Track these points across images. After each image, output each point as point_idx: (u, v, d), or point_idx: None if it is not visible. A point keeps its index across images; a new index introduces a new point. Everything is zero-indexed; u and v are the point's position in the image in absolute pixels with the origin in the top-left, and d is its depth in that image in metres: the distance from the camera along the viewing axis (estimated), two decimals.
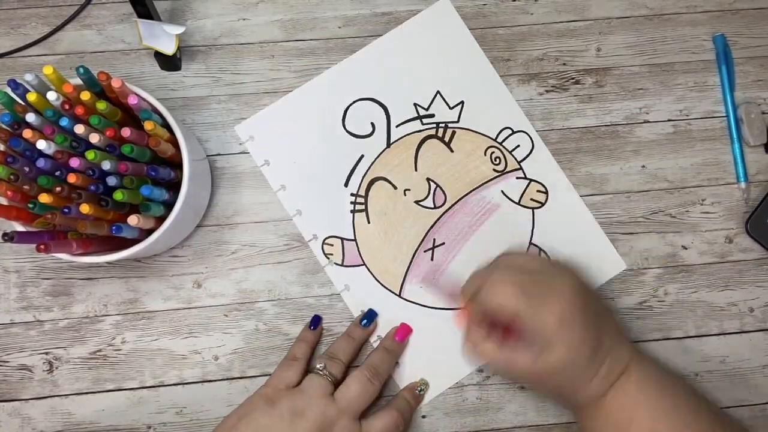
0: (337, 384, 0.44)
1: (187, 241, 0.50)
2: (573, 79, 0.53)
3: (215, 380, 0.48)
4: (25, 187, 0.39)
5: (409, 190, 0.51)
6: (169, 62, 0.51)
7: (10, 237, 0.38)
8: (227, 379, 0.49)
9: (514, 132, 0.52)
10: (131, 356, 0.49)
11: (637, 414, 0.41)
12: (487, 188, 0.51)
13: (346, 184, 0.51)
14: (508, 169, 0.51)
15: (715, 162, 0.52)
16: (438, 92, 0.52)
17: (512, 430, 0.49)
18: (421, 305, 0.49)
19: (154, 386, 0.48)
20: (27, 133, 0.39)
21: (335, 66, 0.52)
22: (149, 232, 0.42)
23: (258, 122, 0.52)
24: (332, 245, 0.50)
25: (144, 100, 0.43)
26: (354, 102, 0.52)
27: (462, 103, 0.52)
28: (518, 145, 0.52)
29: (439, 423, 0.48)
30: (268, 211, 0.51)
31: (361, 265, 0.50)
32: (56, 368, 0.48)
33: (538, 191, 0.51)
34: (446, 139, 0.52)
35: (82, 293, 0.49)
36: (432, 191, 0.51)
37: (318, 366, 0.44)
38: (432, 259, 0.50)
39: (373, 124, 0.52)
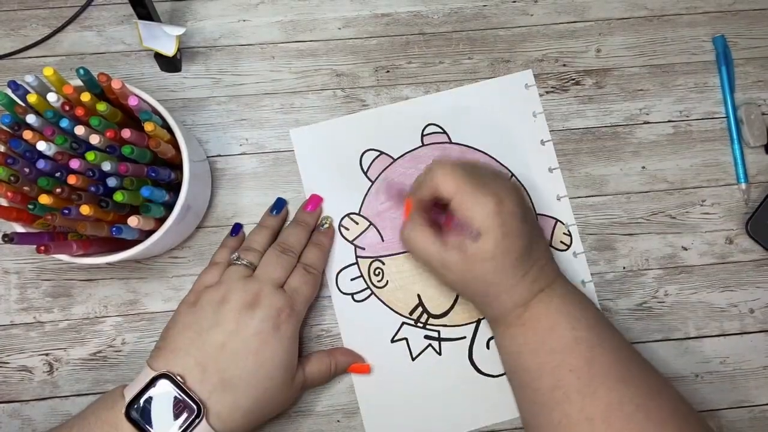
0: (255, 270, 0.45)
1: (187, 242, 0.50)
2: (573, 80, 0.53)
3: None
4: (26, 188, 0.39)
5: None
6: (169, 63, 0.51)
7: (11, 238, 0.38)
8: None
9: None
10: (131, 357, 0.49)
11: (559, 323, 0.42)
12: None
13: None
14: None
15: (715, 163, 0.52)
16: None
17: (512, 431, 0.49)
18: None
19: None
20: (27, 135, 0.39)
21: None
22: (149, 233, 0.42)
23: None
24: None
25: (144, 101, 0.43)
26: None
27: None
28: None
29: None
30: None
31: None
32: (56, 369, 0.48)
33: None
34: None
35: (82, 294, 0.49)
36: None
37: (233, 257, 0.45)
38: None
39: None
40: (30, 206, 0.38)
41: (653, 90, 0.53)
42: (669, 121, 0.53)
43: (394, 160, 0.51)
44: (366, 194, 0.51)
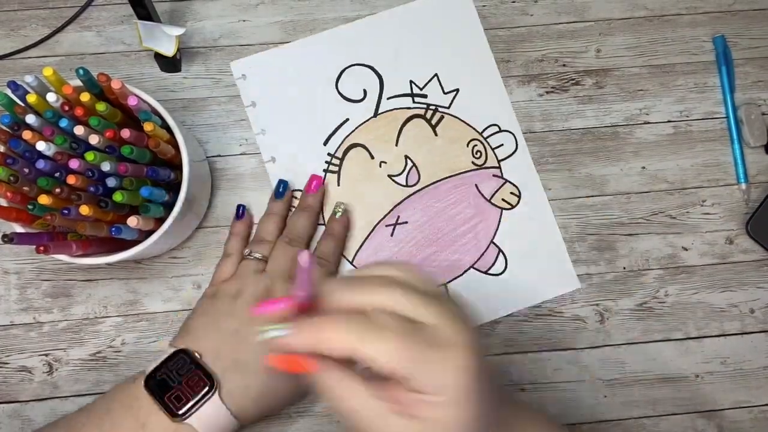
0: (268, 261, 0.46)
1: (187, 242, 0.50)
2: (573, 80, 0.53)
3: None
4: (25, 188, 0.39)
5: (385, 162, 0.51)
6: (169, 64, 0.51)
7: (10, 238, 0.38)
8: None
9: (500, 130, 0.52)
10: (131, 358, 0.48)
11: None
12: (462, 178, 0.51)
13: (325, 143, 0.51)
14: (486, 165, 0.51)
15: (715, 163, 0.52)
16: (436, 75, 0.52)
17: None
18: None
19: None
20: (27, 135, 0.39)
21: (340, 27, 0.53)
22: (149, 233, 0.42)
23: (253, 63, 0.52)
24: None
25: (144, 101, 0.43)
26: (351, 66, 0.52)
27: (457, 90, 0.52)
28: (502, 144, 0.52)
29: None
30: None
31: (322, 224, 0.50)
32: (56, 370, 0.48)
33: (511, 193, 0.51)
34: (433, 122, 0.52)
35: (81, 295, 0.49)
36: (408, 169, 0.51)
37: (246, 252, 0.46)
38: (392, 235, 0.50)
39: (365, 91, 0.52)
40: (29, 206, 0.38)
41: (653, 90, 0.53)
42: (669, 122, 0.53)
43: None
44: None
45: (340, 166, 0.51)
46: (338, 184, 0.51)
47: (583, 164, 0.52)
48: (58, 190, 0.38)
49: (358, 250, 0.50)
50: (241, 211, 0.49)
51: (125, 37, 0.52)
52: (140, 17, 0.48)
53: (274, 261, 0.45)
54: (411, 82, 0.52)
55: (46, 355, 0.48)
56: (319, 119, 0.51)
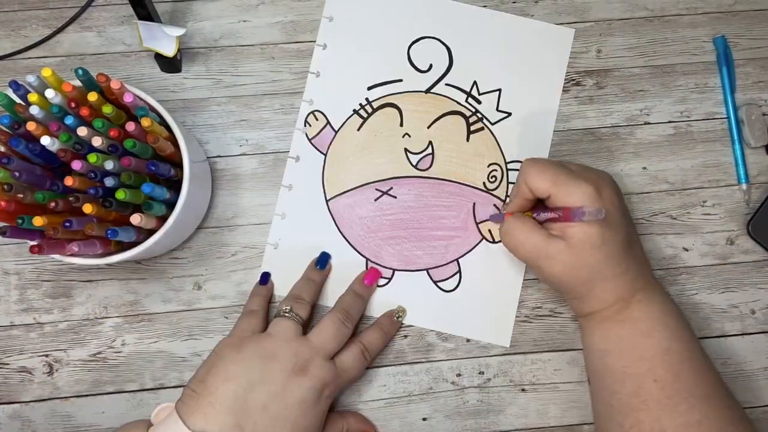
0: (304, 325, 0.44)
1: (187, 243, 0.50)
2: (573, 80, 0.53)
3: None
4: (19, 195, 0.38)
5: (409, 135, 0.51)
6: (169, 64, 0.51)
7: (3, 232, 0.38)
8: None
9: None
10: (131, 358, 0.48)
11: (655, 329, 0.41)
12: (466, 191, 0.51)
13: (369, 89, 0.52)
14: (494, 193, 0.51)
15: (716, 163, 0.52)
16: (499, 90, 0.52)
17: None
18: (336, 224, 0.50)
19: (154, 389, 0.48)
20: (30, 126, 0.38)
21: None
22: (148, 234, 0.42)
23: (343, 4, 0.53)
24: (317, 120, 0.51)
25: (144, 101, 0.43)
26: (431, 38, 0.53)
27: (509, 114, 0.52)
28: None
29: (440, 425, 0.48)
30: (269, 213, 0.51)
31: (323, 153, 0.51)
32: (56, 370, 0.48)
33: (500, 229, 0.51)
34: (472, 128, 0.52)
35: (82, 295, 0.49)
36: (425, 152, 0.51)
37: (284, 308, 0.44)
38: (375, 200, 0.51)
39: (431, 65, 0.52)
40: (18, 221, 0.38)
41: (654, 91, 0.53)
42: (669, 122, 0.53)
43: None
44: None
45: (369, 114, 0.51)
46: (358, 129, 0.51)
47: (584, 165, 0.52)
48: (53, 204, 0.38)
49: (339, 195, 0.51)
50: (265, 278, 0.49)
51: (126, 37, 0.52)
52: (141, 18, 0.48)
53: (322, 333, 0.43)
54: (474, 82, 0.52)
55: (47, 355, 0.48)
56: (377, 64, 0.52)
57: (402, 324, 0.49)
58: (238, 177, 0.51)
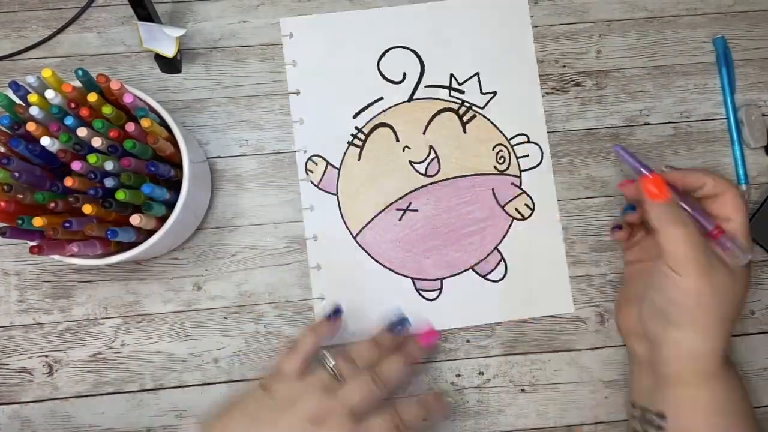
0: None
1: (187, 243, 0.50)
2: (573, 81, 0.53)
3: (215, 383, 0.48)
4: (19, 195, 0.38)
5: (409, 148, 0.51)
6: (169, 65, 0.51)
7: (2, 232, 0.38)
8: (227, 381, 0.48)
9: (528, 141, 0.52)
10: (131, 359, 0.48)
11: (737, 405, 0.41)
12: (481, 180, 0.51)
13: (354, 116, 0.51)
14: (508, 172, 0.51)
15: (715, 164, 0.52)
16: (477, 74, 0.52)
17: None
18: (371, 257, 0.50)
19: (154, 389, 0.48)
20: (30, 126, 0.39)
21: (393, 7, 0.53)
22: (148, 234, 0.42)
23: (302, 23, 0.53)
24: (317, 164, 0.51)
25: (143, 102, 0.43)
26: (396, 47, 0.52)
27: (494, 93, 0.52)
28: (527, 155, 0.52)
29: (440, 426, 0.48)
30: (268, 214, 0.51)
31: (334, 194, 0.50)
32: (56, 371, 0.48)
33: (525, 204, 0.51)
34: (465, 118, 0.52)
35: (82, 296, 0.49)
36: (430, 158, 0.51)
37: (329, 362, 0.41)
38: (400, 220, 0.50)
39: (404, 74, 0.52)
40: (18, 221, 0.38)
41: (653, 91, 0.53)
42: (669, 123, 0.53)
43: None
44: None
45: (364, 141, 0.51)
46: (358, 159, 0.51)
47: (584, 165, 0.52)
48: (53, 204, 0.38)
49: (364, 227, 0.50)
50: (338, 312, 0.45)
51: (126, 38, 0.53)
52: (140, 18, 0.48)
53: (352, 390, 0.40)
54: (451, 75, 0.52)
55: (46, 356, 0.48)
56: (354, 92, 0.52)
57: (448, 407, 0.47)
58: (238, 177, 0.51)
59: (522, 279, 0.50)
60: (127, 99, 0.41)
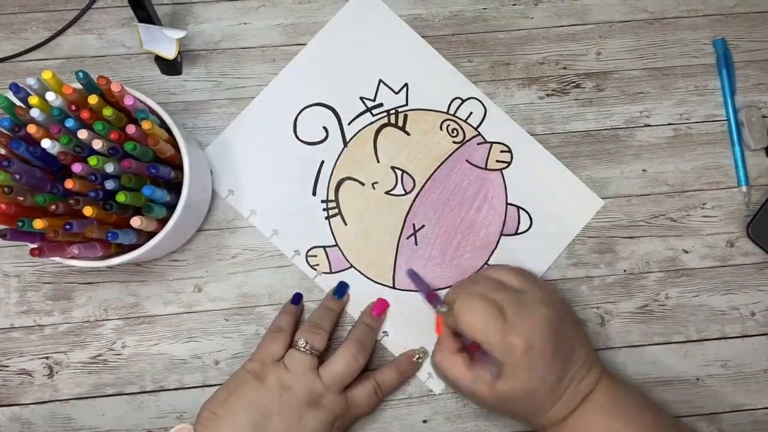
0: (320, 355, 0.45)
1: (187, 245, 0.50)
2: (573, 82, 0.53)
3: (216, 384, 0.48)
4: (20, 198, 0.38)
5: (377, 182, 0.51)
6: (169, 66, 0.51)
7: (3, 234, 0.38)
8: None
9: (464, 100, 0.52)
10: (131, 361, 0.48)
11: None
12: (452, 161, 0.51)
13: (314, 193, 0.51)
14: (467, 138, 0.52)
15: (716, 166, 0.52)
16: (380, 80, 0.52)
17: None
18: (416, 291, 0.50)
19: (154, 391, 0.48)
20: (31, 129, 0.39)
21: (274, 79, 0.52)
22: (149, 236, 0.42)
23: (216, 150, 0.51)
24: (316, 256, 0.50)
25: (144, 104, 0.43)
26: (301, 111, 0.52)
27: (406, 85, 0.52)
28: (471, 113, 0.52)
29: (440, 428, 0.48)
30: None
31: (350, 267, 0.50)
32: (56, 373, 0.48)
33: (501, 152, 0.51)
34: (400, 123, 0.52)
35: (82, 297, 0.49)
36: (399, 179, 0.51)
37: (300, 343, 0.44)
38: (416, 244, 0.50)
39: (325, 128, 0.52)
40: (19, 223, 0.38)
41: (653, 93, 0.53)
42: (669, 124, 0.53)
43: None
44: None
45: (338, 206, 0.51)
46: (345, 224, 0.50)
47: (584, 167, 0.52)
48: (53, 206, 0.38)
49: (394, 273, 0.50)
50: (297, 299, 0.49)
51: (126, 39, 0.53)
52: (141, 20, 0.48)
53: (335, 368, 0.44)
54: (361, 98, 0.52)
55: (47, 358, 0.48)
56: (296, 174, 0.51)
57: (421, 365, 0.49)
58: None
59: (547, 212, 0.51)
60: (128, 101, 0.41)
